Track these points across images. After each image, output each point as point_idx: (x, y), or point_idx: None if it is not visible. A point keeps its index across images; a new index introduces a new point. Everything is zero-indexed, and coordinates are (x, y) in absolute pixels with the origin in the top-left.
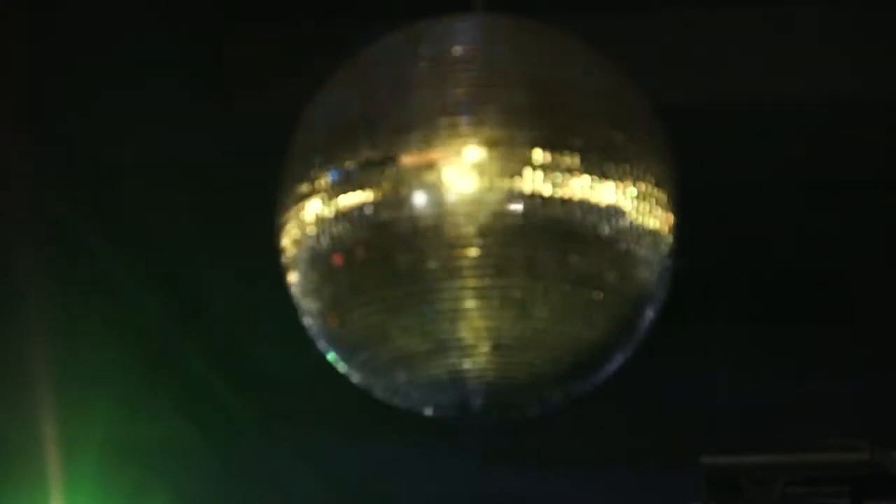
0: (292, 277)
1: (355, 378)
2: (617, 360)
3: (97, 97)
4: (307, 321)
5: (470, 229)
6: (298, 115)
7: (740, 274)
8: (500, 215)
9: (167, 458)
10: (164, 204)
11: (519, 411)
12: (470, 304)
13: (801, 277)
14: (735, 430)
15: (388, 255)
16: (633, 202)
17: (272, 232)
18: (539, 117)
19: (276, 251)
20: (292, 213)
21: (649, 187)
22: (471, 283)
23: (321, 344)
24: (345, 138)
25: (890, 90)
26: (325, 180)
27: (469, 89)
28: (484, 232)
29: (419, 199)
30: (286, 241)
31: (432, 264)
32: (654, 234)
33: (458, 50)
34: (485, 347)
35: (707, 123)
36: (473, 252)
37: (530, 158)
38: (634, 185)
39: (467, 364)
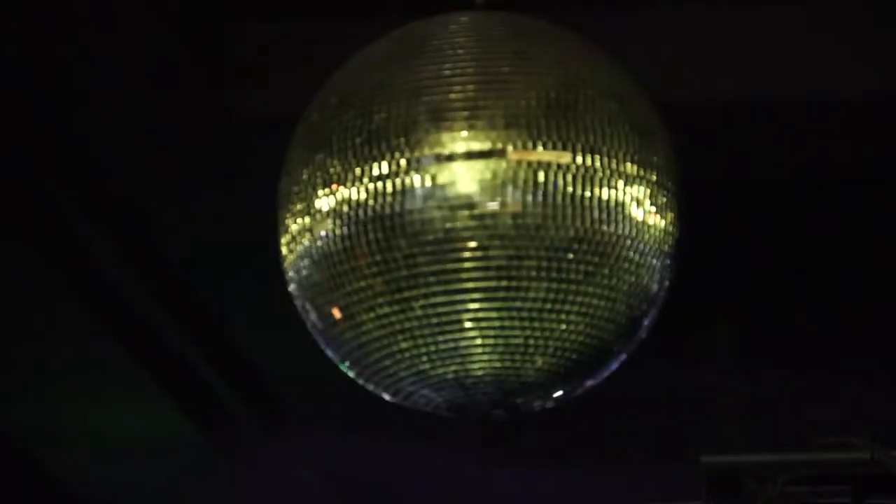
0: (327, 260)
1: (368, 370)
2: (622, 360)
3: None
4: (331, 305)
5: (570, 233)
6: (299, 112)
7: (740, 270)
8: (598, 223)
9: (167, 457)
10: (168, 200)
11: (527, 410)
12: (555, 305)
13: (802, 273)
14: (735, 428)
15: (485, 248)
16: (676, 222)
17: (274, 226)
18: (630, 129)
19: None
20: (351, 193)
21: (681, 207)
22: (560, 285)
23: (341, 334)
24: (439, 125)
25: (884, 87)
26: (411, 164)
27: (570, 93)
28: (581, 237)
29: (526, 196)
30: (342, 215)
31: (528, 262)
32: (676, 244)
33: (532, 49)
34: (549, 349)
35: (700, 121)
36: (570, 255)
37: (625, 170)
38: (678, 206)
39: (507, 363)
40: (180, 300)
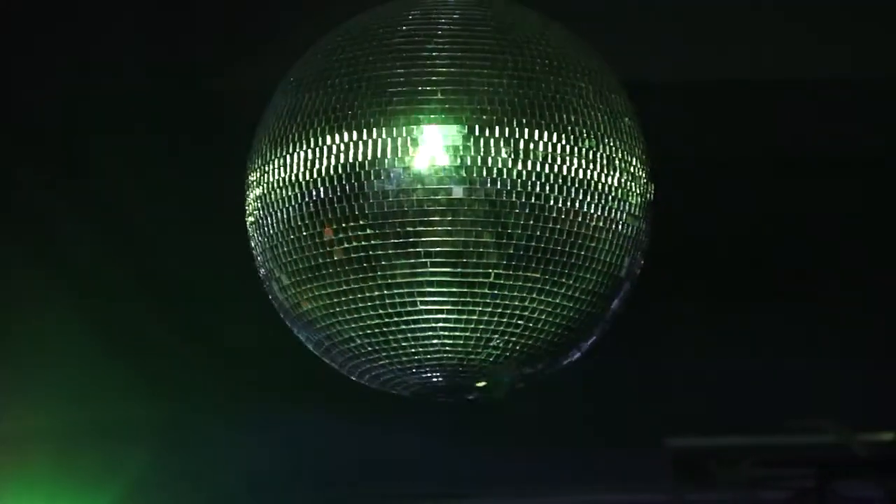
0: (293, 239)
1: (334, 352)
2: (591, 343)
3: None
4: (297, 286)
5: (541, 214)
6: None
7: (705, 253)
8: (570, 204)
9: (130, 437)
10: (140, 184)
11: (495, 393)
12: (524, 291)
13: (767, 257)
14: (701, 412)
15: (452, 229)
16: (649, 197)
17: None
18: (599, 106)
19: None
20: (317, 166)
21: (652, 184)
22: (527, 272)
23: (308, 316)
24: (410, 101)
25: (869, 69)
26: (380, 138)
27: (537, 72)
28: (552, 220)
29: (493, 176)
30: (307, 188)
31: (494, 243)
32: (647, 224)
33: (507, 29)
34: (518, 332)
35: (669, 101)
36: (540, 236)
37: (596, 148)
38: (649, 182)
39: (472, 347)
40: (147, 276)
